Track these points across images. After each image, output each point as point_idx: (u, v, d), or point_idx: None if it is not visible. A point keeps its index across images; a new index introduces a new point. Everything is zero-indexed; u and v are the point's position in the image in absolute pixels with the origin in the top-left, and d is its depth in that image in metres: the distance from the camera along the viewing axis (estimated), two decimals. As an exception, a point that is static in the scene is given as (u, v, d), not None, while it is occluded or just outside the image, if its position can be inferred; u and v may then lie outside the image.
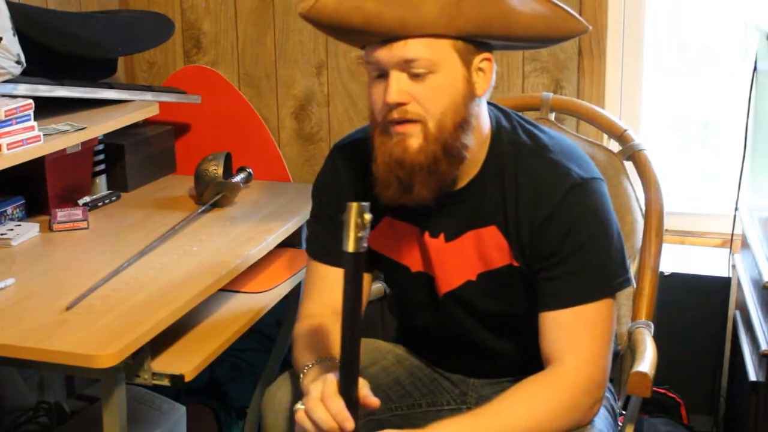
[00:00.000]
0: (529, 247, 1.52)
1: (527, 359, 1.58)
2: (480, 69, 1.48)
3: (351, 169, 1.63)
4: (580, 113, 2.04)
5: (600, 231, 1.51)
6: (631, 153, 1.94)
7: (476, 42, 1.46)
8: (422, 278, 1.63)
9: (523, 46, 1.70)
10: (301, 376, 1.48)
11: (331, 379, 1.34)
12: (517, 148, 1.55)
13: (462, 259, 1.57)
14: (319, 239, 1.66)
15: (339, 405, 1.31)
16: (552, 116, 2.02)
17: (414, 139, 1.45)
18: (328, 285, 1.63)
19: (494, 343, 1.66)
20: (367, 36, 1.43)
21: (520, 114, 1.63)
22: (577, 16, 1.50)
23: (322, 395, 1.33)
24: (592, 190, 1.52)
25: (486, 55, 1.48)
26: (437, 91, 1.44)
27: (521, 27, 1.46)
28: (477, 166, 1.54)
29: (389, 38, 1.41)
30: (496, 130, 1.55)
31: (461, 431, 1.40)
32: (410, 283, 1.66)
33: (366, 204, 1.20)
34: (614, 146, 2.00)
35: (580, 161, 1.55)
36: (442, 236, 1.58)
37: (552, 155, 1.53)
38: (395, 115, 1.44)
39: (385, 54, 1.43)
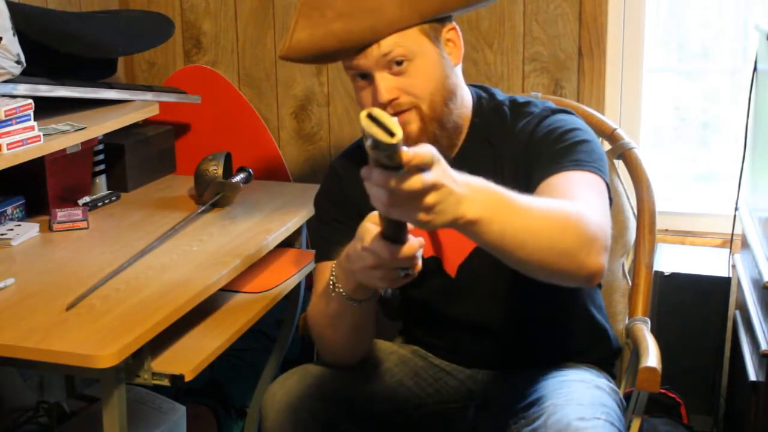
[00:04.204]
0: (524, 181, 1.52)
1: (538, 341, 1.64)
2: (449, 40, 1.58)
3: (352, 175, 1.63)
4: None
5: (580, 129, 1.58)
6: (622, 152, 1.95)
7: (438, 18, 1.54)
8: (432, 263, 1.65)
9: (479, 6, 1.73)
10: (332, 278, 1.49)
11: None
12: (499, 112, 1.64)
13: None
14: (328, 242, 1.67)
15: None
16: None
17: (413, 124, 1.54)
18: None
19: (509, 316, 1.66)
20: (344, 53, 1.52)
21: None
22: None
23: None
24: (569, 113, 1.62)
25: (450, 26, 1.59)
26: (420, 77, 1.53)
27: None
28: (463, 134, 1.63)
29: (364, 47, 1.51)
30: (477, 99, 1.65)
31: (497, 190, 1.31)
32: (422, 270, 1.64)
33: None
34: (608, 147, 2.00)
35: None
36: None
37: (532, 107, 1.64)
38: (390, 111, 1.51)
39: (363, 61, 1.52)
